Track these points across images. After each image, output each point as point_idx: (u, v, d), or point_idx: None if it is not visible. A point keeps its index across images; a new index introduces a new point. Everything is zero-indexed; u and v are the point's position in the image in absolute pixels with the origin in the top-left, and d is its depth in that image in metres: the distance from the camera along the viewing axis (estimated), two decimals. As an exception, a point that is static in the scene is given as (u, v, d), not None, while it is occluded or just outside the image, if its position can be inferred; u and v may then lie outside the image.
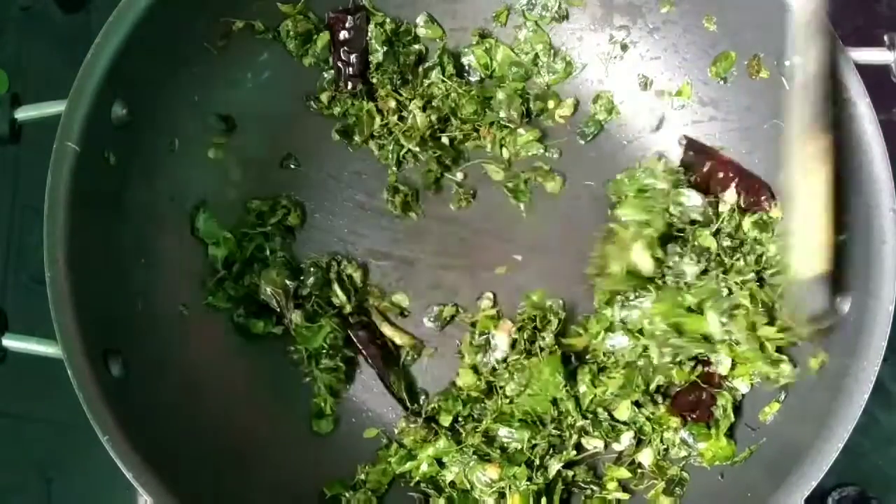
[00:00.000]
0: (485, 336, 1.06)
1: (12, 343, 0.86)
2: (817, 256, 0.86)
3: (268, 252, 1.07)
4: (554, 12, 1.13)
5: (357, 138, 1.11)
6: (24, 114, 0.91)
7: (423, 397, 1.07)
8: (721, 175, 1.06)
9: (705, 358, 1.00)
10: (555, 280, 1.09)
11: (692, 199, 1.03)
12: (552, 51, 1.13)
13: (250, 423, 1.01)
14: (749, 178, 1.05)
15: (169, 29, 0.95)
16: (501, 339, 1.04)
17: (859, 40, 0.92)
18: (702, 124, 1.10)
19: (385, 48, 1.09)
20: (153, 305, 0.96)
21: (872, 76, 0.91)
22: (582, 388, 1.01)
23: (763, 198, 1.03)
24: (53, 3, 1.26)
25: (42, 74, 1.22)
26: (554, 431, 1.00)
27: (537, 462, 0.98)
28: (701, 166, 1.07)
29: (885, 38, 0.94)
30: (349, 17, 1.08)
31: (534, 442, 0.99)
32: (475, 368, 1.05)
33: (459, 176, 1.13)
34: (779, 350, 0.97)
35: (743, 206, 1.04)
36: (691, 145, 1.09)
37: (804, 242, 0.87)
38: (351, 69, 1.09)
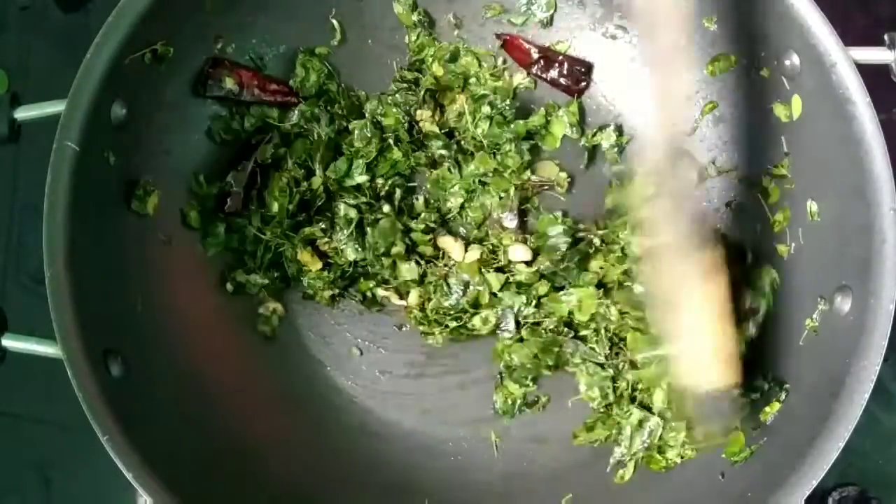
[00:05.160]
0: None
1: (12, 343, 0.86)
2: (717, 370, 0.87)
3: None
4: (551, 13, 1.13)
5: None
6: (23, 113, 0.90)
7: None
8: None
9: None
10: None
11: None
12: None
13: (250, 422, 1.01)
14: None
15: (168, 29, 0.95)
16: None
17: (860, 40, 0.92)
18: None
19: None
20: (153, 305, 0.96)
21: (872, 76, 0.91)
22: None
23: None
24: (53, 3, 1.26)
25: (42, 74, 1.22)
26: None
27: None
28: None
29: (885, 37, 0.94)
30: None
31: None
32: None
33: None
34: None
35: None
36: None
37: (700, 357, 0.87)
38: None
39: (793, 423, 0.93)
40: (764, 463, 0.93)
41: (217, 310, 1.06)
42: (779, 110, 1.00)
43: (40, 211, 0.84)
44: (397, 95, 1.13)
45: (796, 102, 0.97)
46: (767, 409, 0.96)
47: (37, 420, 1.14)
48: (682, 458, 1.01)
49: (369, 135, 1.09)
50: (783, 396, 0.96)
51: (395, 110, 1.11)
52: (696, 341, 0.87)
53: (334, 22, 1.12)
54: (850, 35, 0.91)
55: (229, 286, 1.07)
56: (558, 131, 1.14)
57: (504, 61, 1.16)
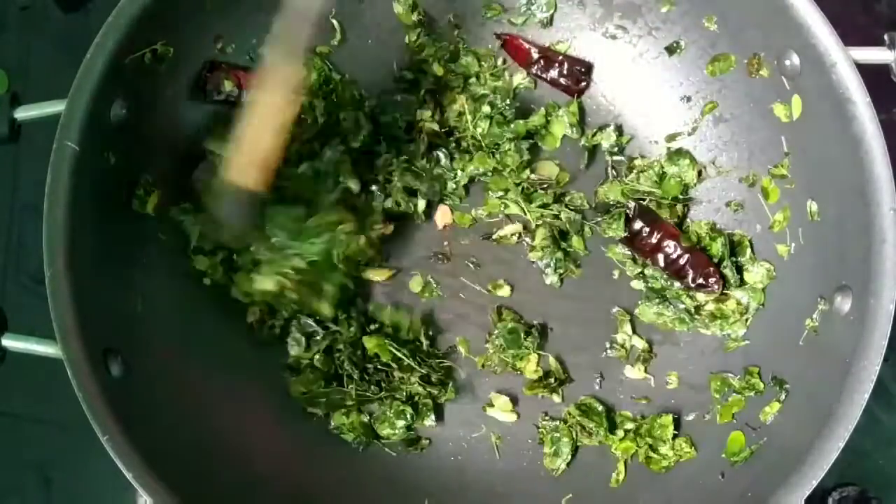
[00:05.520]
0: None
1: (12, 343, 0.86)
2: (250, 172, 0.92)
3: None
4: (551, 13, 1.13)
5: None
6: (23, 113, 0.91)
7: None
8: (669, 249, 1.06)
9: None
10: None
11: None
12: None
13: (250, 421, 1.01)
14: (697, 253, 1.05)
15: (168, 29, 0.95)
16: None
17: (860, 40, 0.92)
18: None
19: None
20: (153, 305, 0.96)
21: (873, 76, 0.91)
22: None
23: (710, 274, 1.04)
24: (53, 3, 1.26)
25: (42, 74, 1.22)
26: None
27: None
28: (649, 237, 1.07)
29: (885, 37, 0.94)
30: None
31: None
32: None
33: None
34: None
35: (692, 284, 1.05)
36: (642, 216, 1.07)
37: (247, 156, 0.92)
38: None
39: (793, 422, 0.93)
40: (764, 463, 0.93)
41: (217, 309, 1.06)
42: (779, 110, 1.00)
43: (40, 211, 0.84)
44: (397, 95, 1.13)
45: (796, 102, 0.97)
46: (767, 408, 0.96)
47: (37, 420, 1.14)
48: (679, 456, 1.01)
49: (361, 123, 1.09)
50: (783, 396, 0.96)
51: (392, 107, 1.11)
52: (248, 145, 0.92)
53: (334, 22, 1.12)
54: (851, 35, 0.91)
55: (206, 280, 1.06)
56: (558, 131, 1.14)
57: (504, 61, 1.16)
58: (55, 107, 0.88)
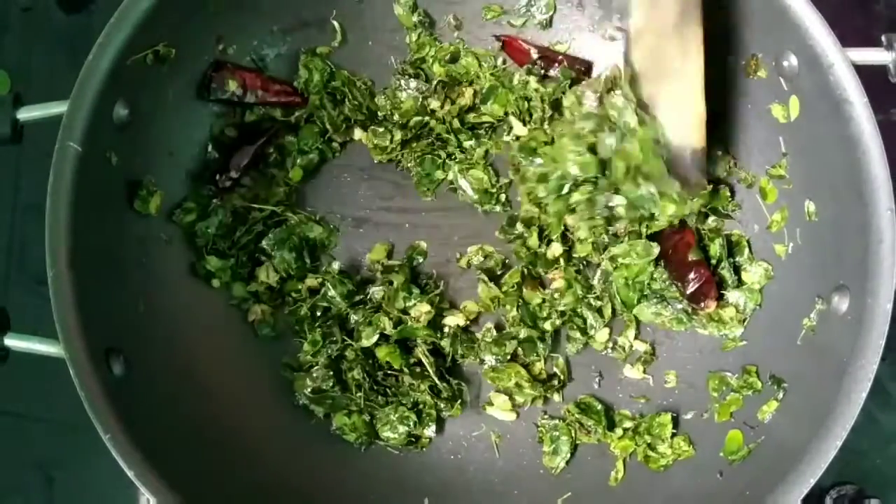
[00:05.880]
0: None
1: (14, 342, 0.86)
2: (695, 133, 0.95)
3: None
4: (550, 15, 1.14)
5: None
6: (26, 114, 0.91)
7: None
8: (680, 257, 1.06)
9: None
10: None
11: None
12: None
13: (251, 421, 1.02)
14: (705, 270, 1.05)
15: (170, 30, 0.96)
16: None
17: (857, 41, 0.92)
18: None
19: None
20: (154, 305, 0.97)
21: (870, 76, 0.91)
22: None
23: (709, 296, 1.05)
24: (55, 4, 1.27)
25: (44, 75, 1.22)
26: None
27: None
28: (668, 240, 1.07)
29: (883, 38, 0.94)
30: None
31: None
32: None
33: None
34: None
35: (687, 293, 1.05)
36: None
37: (682, 120, 0.95)
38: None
39: (790, 422, 0.94)
40: (762, 462, 0.93)
41: (218, 309, 1.06)
42: (777, 111, 1.00)
43: (43, 211, 0.84)
44: (412, 81, 1.14)
45: (794, 103, 0.97)
46: (765, 407, 0.97)
47: (39, 419, 1.15)
48: (677, 455, 1.01)
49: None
50: (781, 395, 0.96)
51: (404, 95, 1.13)
52: (682, 109, 0.95)
53: (335, 23, 1.12)
54: (848, 36, 0.91)
55: (215, 282, 1.07)
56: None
57: (504, 61, 1.17)
58: (57, 107, 0.88)
